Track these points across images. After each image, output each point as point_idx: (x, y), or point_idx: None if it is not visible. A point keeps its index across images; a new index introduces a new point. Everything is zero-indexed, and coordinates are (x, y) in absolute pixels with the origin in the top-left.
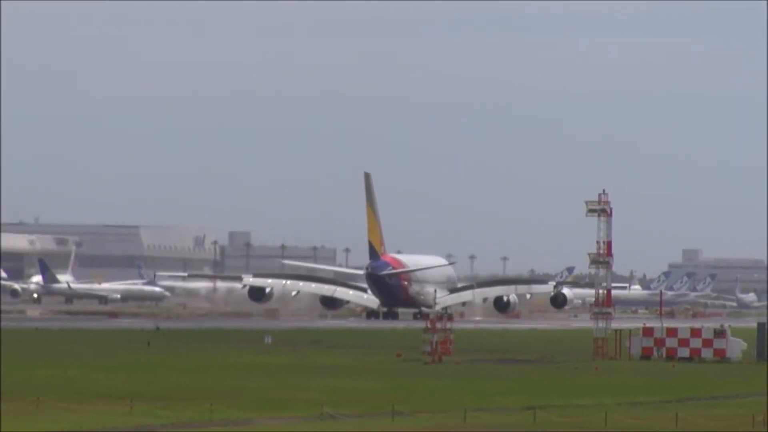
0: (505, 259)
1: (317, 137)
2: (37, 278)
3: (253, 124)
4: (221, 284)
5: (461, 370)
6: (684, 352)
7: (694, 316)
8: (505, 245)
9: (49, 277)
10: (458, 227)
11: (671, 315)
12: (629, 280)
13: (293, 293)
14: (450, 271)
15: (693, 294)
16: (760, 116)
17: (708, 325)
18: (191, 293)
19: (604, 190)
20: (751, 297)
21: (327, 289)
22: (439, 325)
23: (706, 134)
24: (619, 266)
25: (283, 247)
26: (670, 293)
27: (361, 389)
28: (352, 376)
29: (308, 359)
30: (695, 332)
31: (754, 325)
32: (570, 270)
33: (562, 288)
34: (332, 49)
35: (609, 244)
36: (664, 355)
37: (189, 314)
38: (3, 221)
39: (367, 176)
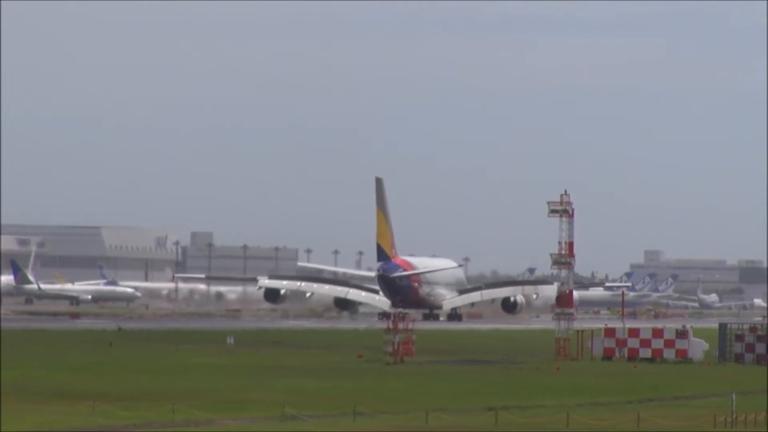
0: (466, 259)
1: (278, 137)
2: (8, 278)
3: (213, 123)
4: (183, 285)
5: (423, 370)
6: (646, 353)
7: (656, 316)
8: (467, 246)
9: (21, 278)
10: (418, 227)
11: (633, 315)
12: (607, 281)
13: (307, 294)
14: (459, 273)
15: (655, 294)
16: (721, 119)
17: (670, 325)
18: (153, 294)
19: (566, 191)
20: (712, 297)
21: (340, 291)
22: (401, 326)
23: (669, 136)
24: (581, 267)
25: (245, 247)
26: (632, 294)
27: (322, 390)
28: (313, 376)
29: (270, 360)
30: (657, 333)
31: (716, 325)
32: (531, 271)
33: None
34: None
35: (571, 245)
36: (626, 356)
37: (151, 315)
38: None
39: (378, 181)
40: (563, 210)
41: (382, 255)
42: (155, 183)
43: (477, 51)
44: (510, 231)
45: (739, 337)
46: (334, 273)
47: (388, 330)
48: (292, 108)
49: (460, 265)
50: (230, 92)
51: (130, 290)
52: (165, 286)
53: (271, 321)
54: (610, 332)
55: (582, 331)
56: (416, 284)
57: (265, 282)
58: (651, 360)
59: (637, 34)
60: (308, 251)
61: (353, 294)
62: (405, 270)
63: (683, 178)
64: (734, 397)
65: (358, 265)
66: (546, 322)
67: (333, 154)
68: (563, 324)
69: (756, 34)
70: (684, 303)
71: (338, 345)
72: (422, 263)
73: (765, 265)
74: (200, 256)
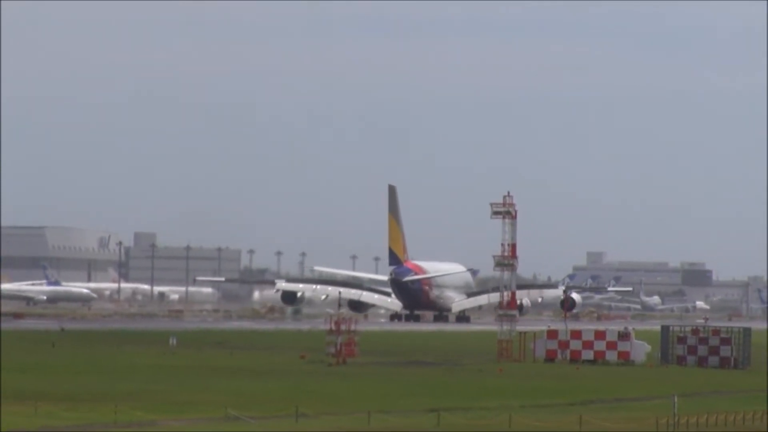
0: (377, 259)
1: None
2: None
3: (157, 124)
4: (126, 285)
5: (366, 371)
6: (588, 355)
7: (599, 318)
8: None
9: None
10: (364, 228)
11: (576, 317)
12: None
13: (323, 297)
14: (467, 276)
15: (597, 296)
16: (663, 121)
17: (612, 327)
18: (96, 294)
19: (509, 193)
20: (655, 299)
21: (354, 294)
22: (343, 327)
23: (610, 138)
24: (523, 269)
25: (188, 248)
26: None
27: (265, 391)
28: (256, 377)
29: (213, 361)
30: (599, 335)
31: (658, 327)
32: (474, 272)
33: (571, 292)
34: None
35: (513, 247)
36: (569, 358)
37: (94, 315)
38: None
39: (391, 189)
40: (506, 212)
41: (394, 259)
42: (99, 183)
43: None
44: (452, 233)
45: (681, 340)
46: (353, 276)
47: (330, 331)
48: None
49: (470, 269)
50: (170, 93)
51: (85, 291)
52: (108, 286)
53: (213, 322)
54: (552, 334)
55: (525, 333)
56: (427, 287)
57: (283, 285)
58: (593, 362)
59: (578, 34)
60: (251, 252)
61: (366, 296)
62: (416, 274)
63: (626, 180)
64: (676, 400)
65: (301, 267)
66: (489, 324)
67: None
68: (506, 326)
69: (696, 33)
70: (626, 305)
71: (281, 346)
72: (433, 267)
73: (707, 267)
74: (143, 256)
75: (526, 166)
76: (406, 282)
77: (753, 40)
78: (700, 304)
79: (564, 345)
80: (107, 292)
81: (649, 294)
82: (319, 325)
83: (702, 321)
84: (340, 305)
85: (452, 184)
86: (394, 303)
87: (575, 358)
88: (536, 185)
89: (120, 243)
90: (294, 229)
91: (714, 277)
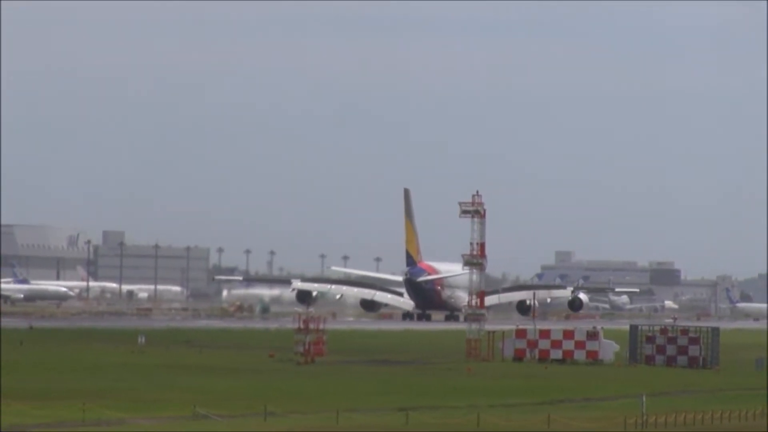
0: (378, 259)
1: (187, 134)
2: None
3: (125, 123)
4: (95, 284)
5: (334, 370)
6: (557, 354)
7: (567, 318)
8: (379, 246)
9: None
10: (331, 227)
11: (544, 317)
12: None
13: (337, 296)
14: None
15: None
16: (630, 120)
17: (581, 327)
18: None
19: (477, 192)
20: (623, 299)
21: (367, 293)
22: (311, 326)
23: (578, 138)
24: (492, 268)
25: (156, 246)
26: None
27: (233, 389)
28: (224, 376)
29: (181, 359)
30: (568, 334)
31: (627, 327)
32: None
33: (578, 293)
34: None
35: (482, 246)
36: (537, 357)
37: (63, 314)
38: None
39: (406, 192)
40: (475, 211)
41: (409, 260)
42: (67, 182)
43: (383, 49)
44: (421, 231)
45: (650, 339)
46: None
47: (299, 330)
48: (197, 104)
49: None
50: (137, 91)
51: (63, 289)
52: (77, 285)
53: (182, 320)
54: (521, 333)
55: (493, 332)
56: (439, 288)
57: (298, 284)
58: (562, 361)
59: (541, 34)
60: (220, 250)
61: (380, 296)
62: (430, 274)
63: (595, 179)
64: (645, 399)
65: (270, 265)
66: (458, 323)
67: (248, 152)
68: (474, 325)
69: (657, 34)
70: (595, 304)
71: (250, 345)
72: (445, 268)
73: (675, 266)
74: (112, 255)
75: (495, 165)
76: (420, 282)
77: (719, 41)
78: (668, 303)
79: (533, 344)
80: (76, 291)
81: (618, 293)
82: (288, 324)
83: (670, 320)
84: (308, 304)
85: (420, 181)
86: (406, 302)
87: (544, 357)
88: (504, 184)
89: (89, 241)
90: (263, 228)
91: (682, 277)
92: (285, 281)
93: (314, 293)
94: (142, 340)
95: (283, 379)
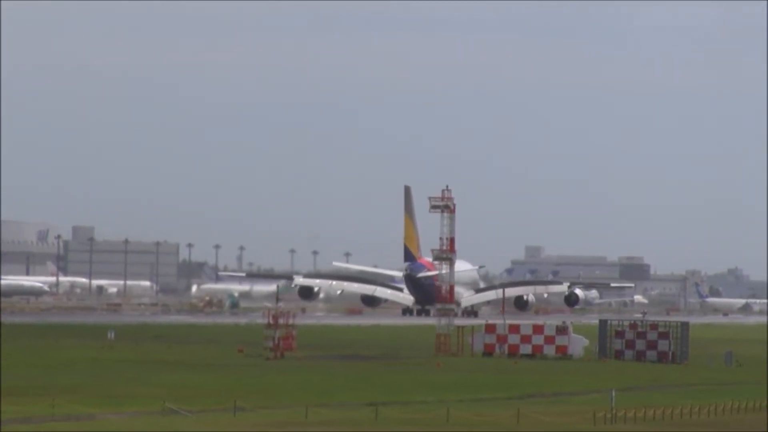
0: (347, 254)
1: (156, 129)
2: None
3: (95, 117)
4: (64, 279)
5: (303, 365)
6: (526, 349)
7: (537, 312)
8: (348, 240)
9: None
10: (300, 222)
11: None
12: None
13: (338, 292)
14: (474, 273)
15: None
16: (600, 116)
17: (550, 322)
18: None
19: (447, 187)
20: (593, 294)
21: (368, 289)
22: (281, 321)
23: (548, 133)
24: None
25: (126, 241)
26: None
27: (203, 384)
28: (194, 371)
29: (151, 354)
30: (537, 329)
31: (596, 322)
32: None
33: (575, 288)
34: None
35: (452, 240)
36: (507, 352)
37: (32, 309)
38: None
39: (407, 189)
40: (444, 206)
41: (408, 256)
42: (37, 177)
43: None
44: (390, 226)
45: (619, 334)
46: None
47: (268, 325)
48: (168, 99)
49: (481, 267)
50: (108, 86)
51: (39, 285)
52: (47, 280)
53: (151, 315)
54: (490, 328)
55: (463, 327)
56: (438, 283)
57: (300, 280)
58: (531, 356)
59: (519, 33)
60: (190, 245)
61: (380, 291)
62: (429, 270)
63: (565, 176)
64: (614, 394)
65: (239, 260)
66: (427, 318)
67: (216, 147)
68: (444, 320)
69: (628, 34)
70: (608, 300)
71: (219, 340)
72: None
73: (645, 261)
74: (82, 250)
75: (464, 161)
76: (420, 278)
77: (693, 41)
78: (638, 298)
79: (502, 339)
80: (46, 286)
81: (589, 288)
82: (258, 319)
83: (640, 315)
84: (278, 299)
85: (387, 178)
86: (406, 298)
87: (513, 352)
88: (474, 179)
89: (59, 237)
90: (232, 223)
91: (652, 271)
92: (287, 277)
93: (316, 289)
94: (111, 335)
95: (253, 374)
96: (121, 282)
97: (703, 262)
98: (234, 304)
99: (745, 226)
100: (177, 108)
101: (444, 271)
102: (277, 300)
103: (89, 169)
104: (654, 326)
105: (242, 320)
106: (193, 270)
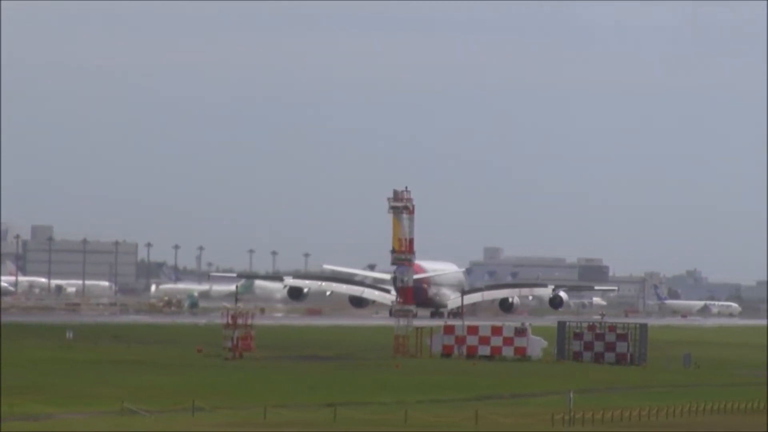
0: (307, 255)
1: (117, 128)
2: None
3: (54, 115)
4: (23, 278)
5: (262, 366)
6: (485, 350)
7: (497, 314)
8: (307, 241)
9: None
10: (258, 222)
11: (473, 312)
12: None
13: (327, 293)
14: (461, 276)
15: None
16: (560, 113)
17: (509, 323)
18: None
19: (406, 188)
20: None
21: (356, 290)
22: (239, 321)
23: (506, 134)
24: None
25: (85, 241)
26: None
27: (161, 384)
28: (153, 371)
29: (110, 354)
30: (496, 330)
31: (555, 323)
32: (371, 267)
33: (559, 291)
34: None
35: (411, 241)
36: (465, 353)
37: None
38: None
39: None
40: (404, 206)
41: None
42: None
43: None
44: (349, 227)
45: (578, 336)
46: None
47: (227, 325)
48: (128, 98)
49: (465, 269)
50: (69, 83)
51: (5, 285)
52: (6, 279)
53: (110, 315)
54: (449, 329)
55: (421, 328)
56: (426, 285)
57: (290, 281)
58: (490, 357)
59: (483, 32)
60: (148, 245)
61: (368, 293)
62: (417, 273)
63: (523, 176)
64: (572, 396)
65: (198, 261)
66: (385, 319)
67: (175, 145)
68: (402, 321)
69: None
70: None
71: (178, 340)
72: (431, 267)
73: (604, 263)
74: (41, 249)
75: (423, 161)
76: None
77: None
78: (596, 299)
79: (461, 340)
80: (11, 285)
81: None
82: (217, 320)
83: (599, 317)
84: (237, 299)
85: (348, 177)
86: (393, 299)
87: (472, 353)
88: (433, 180)
89: (17, 236)
90: (191, 223)
91: (611, 273)
92: (277, 278)
93: (305, 290)
94: (70, 335)
95: (211, 374)
96: (80, 282)
97: (662, 263)
98: (193, 304)
99: (703, 228)
100: (136, 106)
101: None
102: (236, 300)
103: (48, 169)
104: (612, 328)
105: (201, 320)
106: (152, 270)
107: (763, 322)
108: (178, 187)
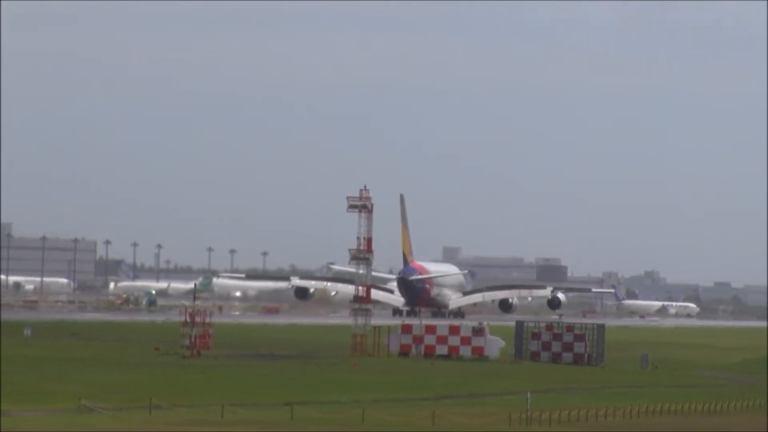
0: (265, 254)
1: (73, 126)
2: None
3: (12, 114)
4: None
5: (220, 364)
6: (443, 350)
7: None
8: (266, 240)
9: None
10: (218, 221)
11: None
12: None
13: (333, 293)
14: (461, 277)
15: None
16: (518, 112)
17: (467, 323)
18: None
19: (365, 187)
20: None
21: (361, 290)
22: (198, 320)
23: (465, 133)
24: (379, 263)
25: (43, 238)
26: None
27: (119, 382)
28: (110, 368)
29: (68, 351)
30: (454, 330)
31: (513, 323)
32: (473, 274)
33: (557, 292)
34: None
35: (369, 241)
36: (423, 353)
37: None
38: None
39: (401, 198)
40: (362, 205)
41: (405, 260)
42: None
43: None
44: (308, 226)
45: (536, 335)
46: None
47: (185, 323)
48: (85, 97)
49: (469, 271)
50: (24, 80)
51: None
52: None
53: (68, 312)
54: (406, 329)
55: (379, 327)
56: (428, 286)
57: (297, 281)
58: (448, 357)
59: (446, 31)
60: (107, 243)
61: (372, 293)
62: (421, 274)
63: (482, 175)
64: (529, 395)
65: (157, 258)
66: (343, 318)
67: (134, 143)
68: (360, 320)
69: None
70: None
71: (136, 338)
72: (433, 268)
73: (562, 263)
74: None
75: (380, 159)
76: (413, 281)
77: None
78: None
79: (418, 340)
80: None
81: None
82: (175, 317)
83: (556, 317)
84: (195, 297)
85: (306, 177)
86: (397, 299)
87: (429, 352)
88: (392, 179)
89: None
90: (150, 221)
91: (569, 273)
92: (283, 278)
93: (311, 290)
94: (28, 332)
95: (169, 372)
96: (38, 279)
97: (620, 264)
98: (151, 302)
99: (661, 228)
100: (94, 103)
101: (362, 272)
102: (195, 298)
103: (5, 165)
104: (570, 328)
105: (159, 318)
106: (110, 267)
107: (721, 323)
108: (137, 185)
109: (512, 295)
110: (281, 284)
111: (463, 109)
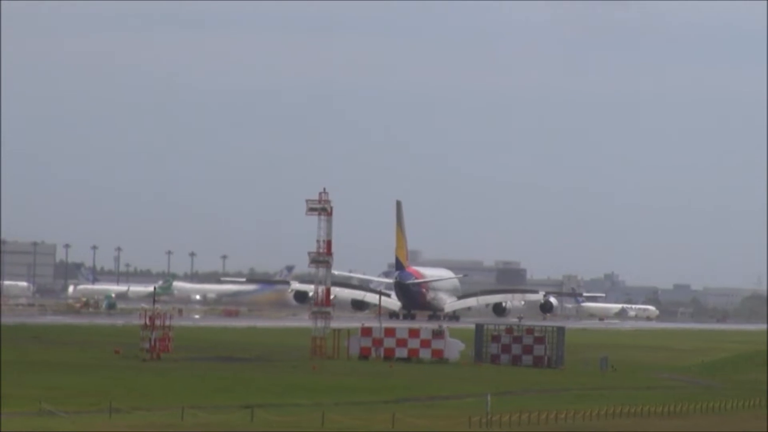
0: (224, 257)
1: (33, 126)
2: None
3: None
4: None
5: (180, 367)
6: (402, 353)
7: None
8: (225, 243)
9: None
10: (176, 223)
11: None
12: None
13: (331, 297)
14: (456, 281)
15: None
16: (475, 118)
17: (426, 325)
18: None
19: (324, 189)
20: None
21: (358, 294)
22: (157, 323)
23: (422, 135)
24: (339, 265)
25: (3, 241)
26: None
27: (79, 385)
28: (71, 372)
29: (27, 355)
30: (413, 332)
31: (473, 326)
32: (290, 269)
33: (550, 296)
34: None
35: (329, 243)
36: (383, 355)
37: None
38: None
39: (398, 204)
40: (322, 208)
41: (399, 265)
42: None
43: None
44: (268, 228)
45: (496, 338)
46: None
47: (145, 326)
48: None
49: (465, 275)
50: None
51: None
52: None
53: (29, 316)
54: (366, 332)
55: (339, 330)
56: (424, 290)
57: (296, 285)
58: (407, 360)
59: (411, 33)
60: (67, 246)
61: (369, 297)
62: (416, 278)
63: (440, 178)
64: (489, 398)
65: (117, 261)
66: (303, 321)
67: (95, 146)
68: (320, 323)
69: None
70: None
71: (96, 341)
72: (429, 273)
73: (521, 266)
74: None
75: (341, 162)
76: (409, 285)
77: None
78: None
79: (378, 342)
80: None
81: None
82: (134, 320)
83: (516, 320)
84: (155, 300)
85: (266, 179)
86: (393, 303)
87: (389, 355)
88: (350, 181)
89: None
90: (110, 224)
91: (528, 276)
92: (284, 282)
93: (311, 293)
94: None
95: (129, 375)
96: None
97: (579, 266)
98: (111, 305)
99: (620, 231)
100: (52, 104)
101: (326, 273)
102: (154, 301)
103: None
104: (530, 331)
105: (119, 321)
106: (70, 270)
107: (680, 325)
108: (96, 188)
109: (506, 299)
110: (242, 287)
111: (418, 112)
